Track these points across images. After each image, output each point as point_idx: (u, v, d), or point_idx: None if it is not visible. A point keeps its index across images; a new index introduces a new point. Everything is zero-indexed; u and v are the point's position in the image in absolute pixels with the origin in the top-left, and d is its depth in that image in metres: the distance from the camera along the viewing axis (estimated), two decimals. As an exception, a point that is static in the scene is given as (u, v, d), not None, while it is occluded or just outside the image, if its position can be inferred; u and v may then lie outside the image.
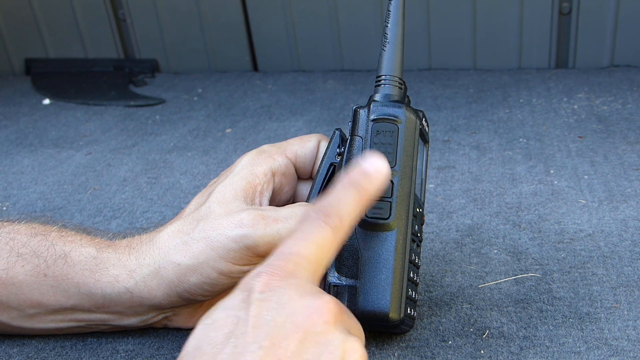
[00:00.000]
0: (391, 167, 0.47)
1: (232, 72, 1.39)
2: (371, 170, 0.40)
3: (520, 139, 0.92)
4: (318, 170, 0.52)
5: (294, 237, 0.38)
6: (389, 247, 0.47)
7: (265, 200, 0.52)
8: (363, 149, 0.48)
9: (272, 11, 1.31)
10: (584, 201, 0.73)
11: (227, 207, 0.49)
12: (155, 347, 0.54)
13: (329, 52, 1.32)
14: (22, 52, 1.48)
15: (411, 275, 0.49)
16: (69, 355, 0.54)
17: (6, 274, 0.50)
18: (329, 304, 0.36)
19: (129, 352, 0.54)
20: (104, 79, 1.39)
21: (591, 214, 0.70)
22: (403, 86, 0.50)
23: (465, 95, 1.13)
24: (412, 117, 0.48)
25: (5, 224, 0.53)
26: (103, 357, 0.53)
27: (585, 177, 0.79)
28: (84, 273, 0.50)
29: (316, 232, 0.38)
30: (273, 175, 0.52)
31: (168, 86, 1.32)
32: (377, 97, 0.49)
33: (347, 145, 0.49)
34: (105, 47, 1.44)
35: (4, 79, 1.46)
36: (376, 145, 0.48)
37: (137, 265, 0.50)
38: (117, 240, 0.53)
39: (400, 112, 0.48)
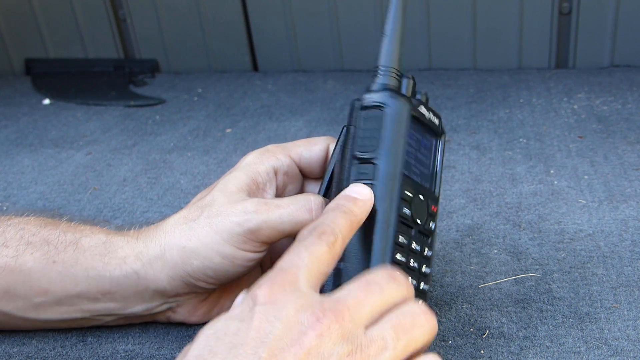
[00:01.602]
0: (372, 151, 0.48)
1: (232, 72, 1.39)
2: (355, 195, 0.45)
3: (520, 139, 0.92)
4: (326, 167, 0.53)
5: (290, 252, 0.40)
6: (371, 229, 0.47)
7: (268, 197, 0.53)
8: (354, 137, 0.49)
9: (272, 11, 1.31)
10: (584, 201, 0.73)
11: (231, 197, 0.51)
12: (155, 347, 0.54)
13: (329, 52, 1.32)
14: (22, 52, 1.48)
15: (398, 257, 0.48)
16: (69, 355, 0.54)
17: (15, 261, 0.51)
18: (323, 319, 0.37)
19: (129, 352, 0.54)
20: (104, 79, 1.39)
21: (591, 214, 0.71)
22: (399, 76, 0.50)
23: (465, 95, 1.13)
24: (400, 102, 0.49)
25: (14, 217, 0.55)
26: (103, 357, 0.53)
27: (585, 177, 0.79)
28: (94, 258, 0.51)
29: (311, 247, 0.41)
30: (275, 173, 0.53)
31: (168, 86, 1.32)
32: (371, 86, 0.50)
33: (343, 134, 0.50)
34: (105, 47, 1.44)
35: (4, 79, 1.46)
36: (363, 131, 0.49)
37: (144, 247, 0.51)
38: (125, 230, 0.55)
39: (385, 98, 0.49)
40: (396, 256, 0.48)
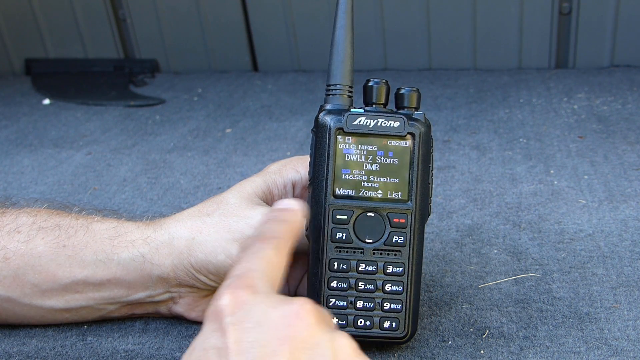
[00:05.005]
0: (309, 178, 0.49)
1: (232, 72, 1.39)
2: (284, 206, 0.43)
3: (520, 139, 0.92)
4: None
5: (241, 261, 0.39)
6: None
7: None
8: (310, 156, 0.50)
9: (272, 11, 1.31)
10: (584, 201, 0.73)
11: (247, 199, 0.52)
12: (155, 347, 0.54)
13: (328, 52, 1.32)
14: (22, 52, 1.48)
15: (334, 284, 0.49)
16: (69, 354, 0.54)
17: (26, 245, 0.52)
18: (304, 305, 0.35)
19: (129, 352, 0.54)
20: (104, 79, 1.39)
21: (591, 214, 0.70)
22: (349, 91, 0.50)
23: (465, 95, 1.13)
24: (324, 121, 0.49)
25: (26, 207, 0.56)
26: (103, 357, 0.53)
27: (585, 177, 0.79)
28: (104, 241, 0.53)
29: (258, 252, 0.39)
30: (293, 186, 0.55)
31: (168, 86, 1.32)
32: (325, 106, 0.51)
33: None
34: (105, 47, 1.44)
35: (4, 79, 1.46)
36: (311, 156, 0.50)
37: (153, 232, 0.53)
38: (137, 219, 0.56)
39: (317, 119, 0.49)
40: (331, 284, 0.49)
